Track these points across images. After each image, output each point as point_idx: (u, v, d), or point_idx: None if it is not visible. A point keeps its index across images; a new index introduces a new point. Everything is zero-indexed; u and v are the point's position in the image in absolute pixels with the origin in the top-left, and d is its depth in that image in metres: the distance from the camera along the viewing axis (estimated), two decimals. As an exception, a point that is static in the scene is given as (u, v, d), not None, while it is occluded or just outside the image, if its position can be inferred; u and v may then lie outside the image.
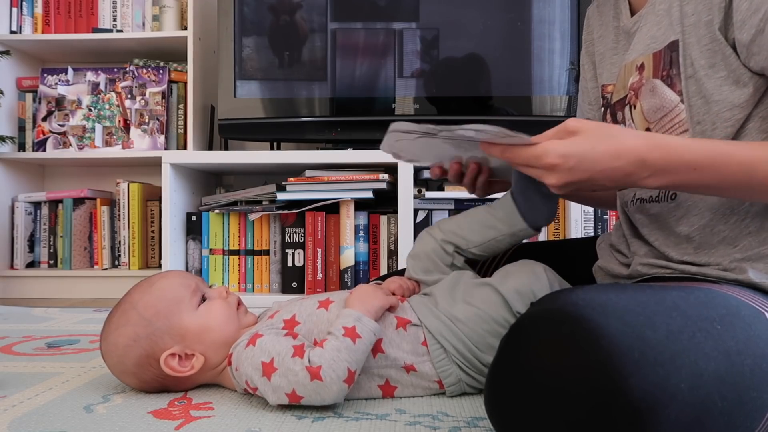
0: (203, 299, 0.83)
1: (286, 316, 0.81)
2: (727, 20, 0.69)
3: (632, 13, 0.85)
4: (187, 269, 1.83)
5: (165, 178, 1.76)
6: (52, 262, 2.11)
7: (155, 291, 0.82)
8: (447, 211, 1.76)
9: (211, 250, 1.82)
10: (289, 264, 1.78)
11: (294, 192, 1.72)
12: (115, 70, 2.10)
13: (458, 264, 0.89)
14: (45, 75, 2.11)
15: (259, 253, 1.81)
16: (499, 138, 0.68)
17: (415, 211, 1.73)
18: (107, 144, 2.07)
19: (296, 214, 1.77)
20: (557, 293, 0.61)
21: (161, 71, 2.08)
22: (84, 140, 2.07)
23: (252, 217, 1.79)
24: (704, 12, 0.70)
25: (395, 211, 1.74)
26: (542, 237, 1.75)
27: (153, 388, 0.82)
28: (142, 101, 2.08)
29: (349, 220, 1.75)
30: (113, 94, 2.09)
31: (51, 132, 2.08)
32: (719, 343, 0.54)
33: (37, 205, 2.13)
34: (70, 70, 2.11)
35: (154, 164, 1.93)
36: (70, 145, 2.07)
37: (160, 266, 2.00)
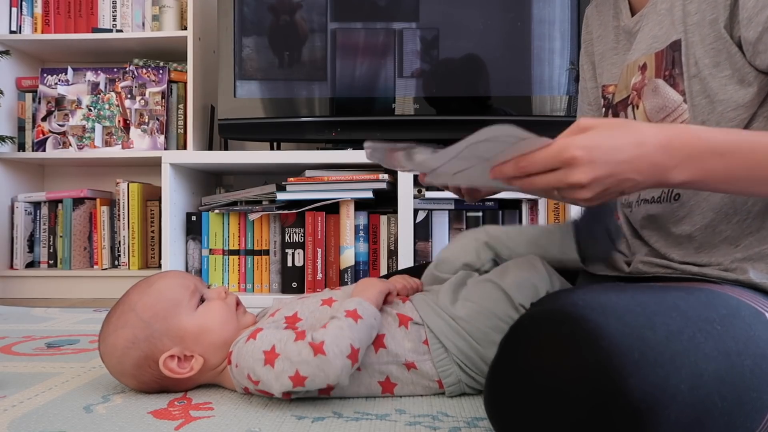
0: (202, 300, 0.83)
1: (287, 313, 0.81)
2: (732, 18, 0.68)
3: (633, 13, 0.85)
4: (186, 269, 1.83)
5: (165, 178, 1.76)
6: (51, 262, 2.11)
7: (153, 292, 0.81)
8: (447, 211, 1.76)
9: (211, 250, 1.82)
10: (289, 264, 1.78)
11: (294, 192, 1.72)
12: (115, 70, 2.10)
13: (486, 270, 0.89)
14: (45, 75, 2.11)
15: (259, 253, 1.81)
16: (511, 145, 0.59)
17: (415, 211, 1.73)
18: (107, 144, 2.07)
19: (296, 214, 1.76)
20: (557, 293, 0.61)
21: (161, 71, 2.08)
22: (84, 140, 2.07)
23: (252, 217, 1.79)
24: (708, 10, 0.70)
25: (395, 211, 1.74)
26: (542, 237, 1.74)
27: (152, 389, 0.81)
28: (142, 101, 2.08)
29: (349, 220, 1.75)
30: (113, 94, 2.09)
31: (51, 132, 2.08)
32: (719, 344, 0.54)
33: (36, 205, 2.13)
34: (69, 70, 2.11)
35: (154, 164, 1.93)
36: (70, 145, 2.07)
37: (160, 266, 2.00)
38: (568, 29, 1.80)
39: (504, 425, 0.56)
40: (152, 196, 2.09)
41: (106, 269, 2.06)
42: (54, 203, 2.12)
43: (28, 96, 2.14)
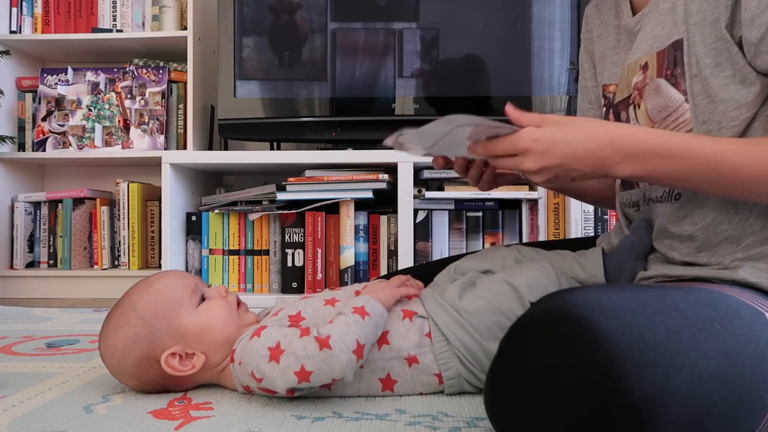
0: (202, 299, 0.83)
1: (291, 312, 0.82)
2: (733, 18, 0.68)
3: (633, 12, 0.85)
4: (186, 269, 1.83)
5: (165, 178, 1.76)
6: (51, 262, 2.11)
7: (154, 291, 0.81)
8: (447, 211, 1.76)
9: (211, 250, 1.82)
10: (289, 264, 1.78)
11: (294, 192, 1.72)
12: (115, 70, 2.10)
13: None
14: (45, 75, 2.11)
15: (259, 253, 1.81)
16: (486, 129, 0.70)
17: (415, 211, 1.73)
18: (107, 144, 2.07)
19: (296, 214, 1.76)
20: (557, 293, 0.61)
21: (161, 71, 2.08)
22: (84, 140, 2.07)
23: (252, 217, 1.79)
24: (710, 10, 0.70)
25: (395, 211, 1.74)
26: (542, 236, 1.75)
27: (153, 388, 0.81)
28: (142, 101, 2.08)
29: (349, 220, 1.75)
30: (113, 94, 2.09)
31: (51, 132, 2.08)
32: (719, 344, 0.54)
33: (36, 205, 2.13)
34: (69, 70, 2.11)
35: (154, 164, 1.93)
36: (70, 145, 2.07)
37: (160, 266, 2.00)
38: (568, 29, 1.80)
39: (504, 425, 0.56)
40: (152, 196, 2.09)
41: (106, 269, 2.06)
42: (54, 203, 2.12)
43: (28, 96, 2.14)
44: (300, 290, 1.76)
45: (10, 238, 2.10)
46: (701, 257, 0.73)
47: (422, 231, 1.75)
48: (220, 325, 0.81)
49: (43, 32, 2.10)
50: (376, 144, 1.77)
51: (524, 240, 1.75)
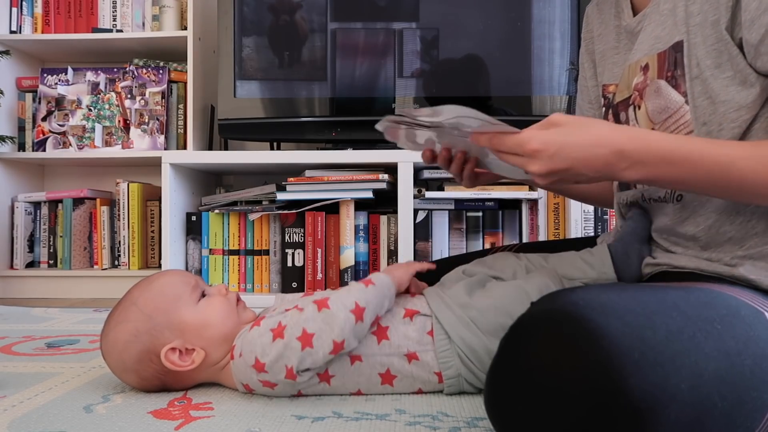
0: (203, 296, 0.84)
1: (288, 306, 0.82)
2: (734, 20, 0.68)
3: (634, 13, 0.85)
4: (186, 269, 1.83)
5: (165, 178, 1.76)
6: (51, 262, 2.11)
7: (155, 288, 0.82)
8: (447, 211, 1.76)
9: (211, 250, 1.82)
10: (289, 264, 1.78)
11: (294, 192, 1.72)
12: (115, 70, 2.10)
13: None
14: (45, 75, 2.11)
15: (259, 253, 1.81)
16: (487, 126, 0.70)
17: (415, 211, 1.73)
18: (107, 144, 2.07)
19: (296, 214, 1.76)
20: (558, 293, 0.61)
21: (161, 71, 2.08)
22: (84, 140, 2.07)
23: (252, 217, 1.79)
24: (711, 11, 0.70)
25: (395, 211, 1.74)
26: (542, 236, 1.75)
27: (153, 386, 0.82)
28: (142, 101, 2.08)
29: (349, 220, 1.75)
30: (113, 94, 2.09)
31: (51, 132, 2.08)
32: (719, 343, 0.54)
33: (36, 205, 2.13)
34: (69, 70, 2.11)
35: (154, 164, 1.93)
36: (70, 145, 2.07)
37: (160, 266, 2.00)
38: (568, 29, 1.80)
39: (504, 425, 0.56)
40: (152, 196, 2.09)
41: (106, 269, 2.06)
42: (54, 203, 2.12)
43: (28, 96, 2.14)
44: (300, 290, 1.76)
45: (10, 238, 2.09)
46: (705, 254, 0.74)
47: (422, 231, 1.75)
48: (220, 321, 0.81)
49: (43, 32, 2.10)
50: (376, 144, 1.77)
51: (524, 240, 1.76)
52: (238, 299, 0.86)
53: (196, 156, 1.84)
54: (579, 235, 1.72)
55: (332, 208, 1.75)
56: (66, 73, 2.11)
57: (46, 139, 2.08)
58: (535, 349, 0.54)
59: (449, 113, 0.70)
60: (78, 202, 2.10)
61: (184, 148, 2.03)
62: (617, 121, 0.84)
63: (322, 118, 1.85)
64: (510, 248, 1.05)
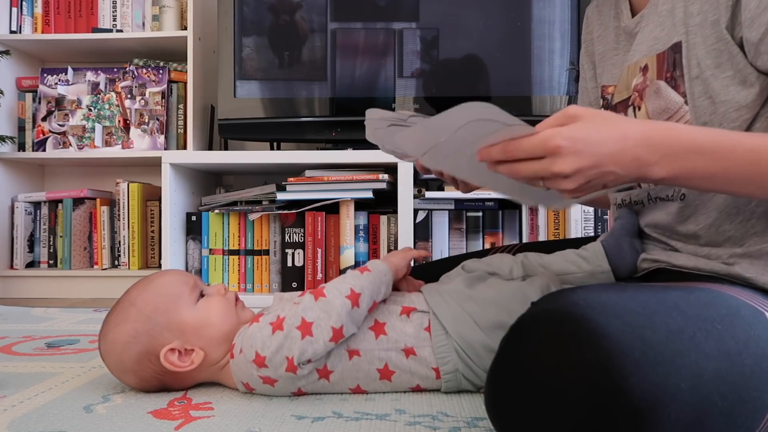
0: (201, 295, 0.84)
1: (286, 305, 0.82)
2: (734, 19, 0.68)
3: (633, 14, 0.85)
4: (186, 269, 1.82)
5: (165, 178, 1.76)
6: (51, 262, 2.11)
7: (154, 288, 0.82)
8: (447, 211, 1.76)
9: (210, 250, 1.82)
10: (289, 264, 1.78)
11: (294, 192, 1.72)
12: (115, 70, 2.10)
13: None
14: (45, 75, 2.11)
15: (259, 253, 1.81)
16: (495, 127, 0.59)
17: (415, 211, 1.73)
18: (107, 144, 2.07)
19: (296, 214, 1.76)
20: (558, 293, 0.61)
21: (161, 71, 2.08)
22: (84, 140, 2.07)
23: (252, 217, 1.79)
24: (710, 11, 0.70)
25: (395, 211, 1.74)
26: (542, 237, 1.75)
27: (153, 386, 0.81)
28: (142, 101, 2.08)
29: (349, 220, 1.75)
30: (113, 94, 2.09)
31: (51, 132, 2.08)
32: (720, 343, 0.54)
33: (36, 205, 2.13)
34: (69, 70, 2.11)
35: (154, 164, 1.93)
36: (70, 145, 2.07)
37: (159, 266, 2.00)
38: (568, 29, 1.80)
39: (504, 425, 0.56)
40: (152, 196, 2.09)
41: (106, 269, 2.06)
42: (54, 203, 2.12)
43: (28, 96, 2.14)
44: (300, 290, 1.76)
45: (10, 238, 2.09)
46: (703, 252, 0.74)
47: (422, 231, 1.75)
48: (219, 320, 0.81)
49: (43, 32, 2.10)
50: (376, 144, 1.77)
51: (524, 240, 1.75)
52: (237, 299, 0.86)
53: (196, 156, 1.84)
54: (579, 235, 1.72)
55: (332, 208, 1.75)
56: (66, 73, 2.11)
57: (46, 139, 2.08)
58: (536, 348, 0.54)
59: (444, 129, 0.60)
60: (78, 202, 2.10)
61: (184, 148, 2.03)
62: None
63: (322, 118, 1.85)
64: (510, 248, 1.05)
